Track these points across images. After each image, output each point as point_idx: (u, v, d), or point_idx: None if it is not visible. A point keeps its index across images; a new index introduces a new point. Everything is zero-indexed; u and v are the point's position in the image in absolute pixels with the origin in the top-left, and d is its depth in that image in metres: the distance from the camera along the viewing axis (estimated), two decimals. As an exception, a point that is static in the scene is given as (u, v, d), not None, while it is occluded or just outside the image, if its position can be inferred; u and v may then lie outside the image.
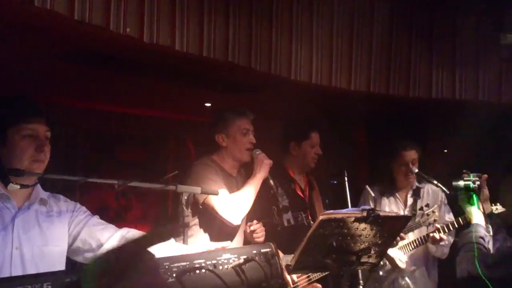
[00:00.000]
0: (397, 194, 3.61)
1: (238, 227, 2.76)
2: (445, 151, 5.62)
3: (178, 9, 2.95)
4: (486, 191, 2.63)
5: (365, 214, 2.24)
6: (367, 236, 2.30)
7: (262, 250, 1.65)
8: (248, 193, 2.68)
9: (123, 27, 2.64)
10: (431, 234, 3.30)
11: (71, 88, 5.01)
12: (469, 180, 2.46)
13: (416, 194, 3.60)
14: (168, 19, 2.90)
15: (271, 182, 2.80)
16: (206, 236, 2.74)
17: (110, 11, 2.57)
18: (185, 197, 2.10)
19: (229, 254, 1.54)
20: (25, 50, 3.49)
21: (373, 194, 3.40)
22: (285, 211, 2.86)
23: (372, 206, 3.25)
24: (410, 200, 3.58)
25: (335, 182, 3.01)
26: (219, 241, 2.72)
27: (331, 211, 2.40)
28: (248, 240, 2.84)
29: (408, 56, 4.48)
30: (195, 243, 2.67)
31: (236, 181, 2.86)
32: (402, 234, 3.21)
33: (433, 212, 3.35)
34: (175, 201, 2.92)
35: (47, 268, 1.79)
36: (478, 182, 2.46)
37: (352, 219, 2.22)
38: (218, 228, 2.72)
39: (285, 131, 3.40)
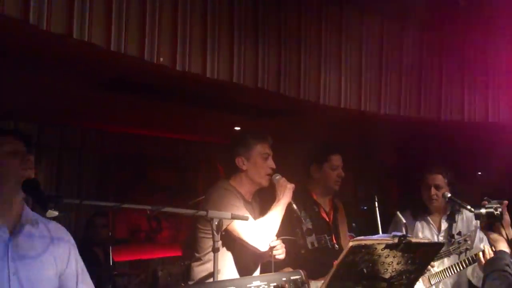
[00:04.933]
0: (429, 219, 3.55)
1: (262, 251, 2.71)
2: (479, 173, 5.49)
3: (210, 38, 3.04)
4: (507, 217, 2.56)
5: (396, 240, 2.22)
6: (399, 263, 2.27)
7: (292, 277, 1.66)
8: (274, 218, 2.64)
9: (157, 57, 2.73)
10: (480, 255, 3.17)
11: (105, 113, 5.17)
12: (490, 208, 2.40)
13: (451, 219, 3.52)
14: (199, 48, 2.98)
15: (294, 206, 2.76)
16: (230, 257, 2.69)
17: (144, 42, 2.67)
18: (216, 223, 2.11)
19: (259, 281, 1.55)
20: (63, 79, 3.64)
21: (404, 220, 3.34)
22: (309, 234, 2.83)
23: (403, 232, 3.20)
24: (444, 225, 3.51)
25: (365, 208, 2.99)
26: (244, 263, 2.70)
27: (362, 237, 2.38)
28: (267, 258, 2.76)
29: (439, 79, 4.45)
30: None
31: (252, 207, 2.82)
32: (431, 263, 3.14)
33: (465, 240, 3.26)
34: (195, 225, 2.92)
35: None
36: (500, 209, 2.41)
37: (383, 245, 2.20)
38: (241, 251, 2.69)
39: (306, 154, 3.40)
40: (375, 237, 2.56)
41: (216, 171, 6.69)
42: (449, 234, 3.44)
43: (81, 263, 1.99)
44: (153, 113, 5.10)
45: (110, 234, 4.27)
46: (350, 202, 3.44)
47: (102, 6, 2.48)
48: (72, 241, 1.98)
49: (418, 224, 3.53)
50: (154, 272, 4.97)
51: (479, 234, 3.47)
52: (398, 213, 3.37)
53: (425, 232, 3.51)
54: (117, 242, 4.65)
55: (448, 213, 3.52)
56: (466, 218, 3.53)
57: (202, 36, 2.99)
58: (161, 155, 6.42)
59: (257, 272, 2.81)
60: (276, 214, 2.65)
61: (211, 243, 2.60)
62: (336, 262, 2.19)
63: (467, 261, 3.24)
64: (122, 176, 6.09)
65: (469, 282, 3.47)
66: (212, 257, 2.58)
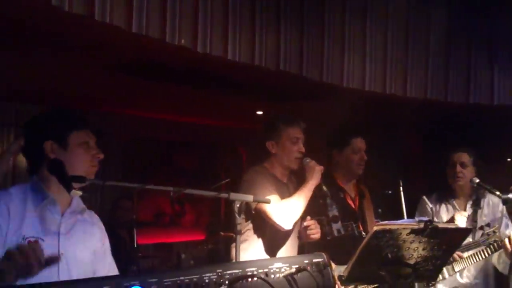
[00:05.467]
0: (454, 203, 3.46)
1: (290, 231, 2.75)
2: (509, 160, 5.32)
3: (231, 20, 3.00)
4: None
5: (422, 225, 2.16)
6: (425, 248, 2.22)
7: (314, 260, 1.62)
8: (300, 199, 2.68)
9: (178, 39, 2.70)
10: (506, 241, 3.09)
11: (130, 98, 5.21)
12: None
13: (476, 204, 3.43)
14: (221, 30, 2.95)
15: (324, 188, 2.78)
16: (260, 240, 2.75)
17: (166, 24, 2.65)
18: (237, 205, 2.10)
19: (281, 263, 1.53)
20: (86, 62, 3.65)
21: (430, 205, 3.27)
22: (334, 221, 2.82)
23: (430, 217, 3.13)
24: (469, 210, 3.42)
25: (389, 192, 2.92)
26: (272, 245, 2.74)
27: (386, 222, 2.34)
28: (303, 239, 2.82)
29: (467, 60, 4.30)
30: (249, 248, 2.69)
31: (288, 188, 2.86)
32: (459, 253, 3.08)
33: (494, 232, 3.17)
34: (229, 208, 2.95)
35: (85, 274, 1.86)
36: None
37: (408, 230, 2.15)
38: (271, 233, 2.73)
39: (327, 139, 3.35)
40: (400, 221, 2.51)
41: (238, 155, 6.72)
42: (474, 219, 3.36)
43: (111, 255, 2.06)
44: (175, 98, 5.11)
45: (134, 217, 4.32)
46: (374, 186, 3.36)
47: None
48: (105, 231, 2.06)
49: (444, 208, 3.46)
50: (177, 254, 5.05)
51: (505, 220, 3.38)
52: (424, 197, 3.30)
53: (449, 216, 3.43)
54: (141, 225, 4.71)
55: (474, 198, 3.43)
56: (492, 204, 3.43)
57: (224, 18, 2.95)
58: (184, 139, 6.45)
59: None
60: (303, 194, 2.68)
61: (246, 225, 2.72)
62: (360, 246, 2.15)
63: (492, 248, 3.16)
64: (146, 161, 6.14)
65: (495, 268, 3.39)
66: (248, 238, 2.72)
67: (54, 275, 1.75)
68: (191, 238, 6.17)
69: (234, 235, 2.80)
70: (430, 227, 2.15)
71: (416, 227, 2.16)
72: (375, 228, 2.12)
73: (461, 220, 3.23)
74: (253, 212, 2.69)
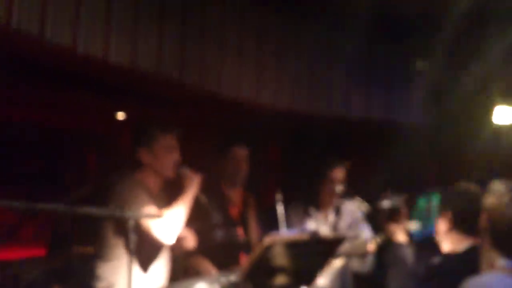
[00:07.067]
0: (318, 210, 3.82)
1: (163, 244, 2.72)
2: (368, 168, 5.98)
3: (113, 21, 2.92)
4: (405, 210, 2.93)
5: (307, 236, 2.42)
6: (308, 257, 2.47)
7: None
8: (181, 211, 2.65)
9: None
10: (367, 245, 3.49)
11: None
12: (392, 200, 2.76)
13: (337, 211, 3.83)
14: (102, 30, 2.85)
15: (202, 198, 2.80)
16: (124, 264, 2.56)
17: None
18: (132, 223, 2.08)
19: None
20: None
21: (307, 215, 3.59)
22: (217, 227, 2.90)
23: (308, 226, 3.45)
24: (330, 217, 3.80)
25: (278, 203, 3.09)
26: (147, 260, 2.70)
27: (274, 233, 2.54)
28: (176, 250, 2.84)
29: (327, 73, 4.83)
30: (120, 267, 2.59)
31: (159, 201, 2.78)
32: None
33: (364, 243, 3.55)
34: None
35: None
36: (399, 202, 2.77)
37: (296, 241, 2.39)
38: (145, 248, 2.64)
39: (212, 146, 3.43)
40: (285, 233, 2.75)
41: (85, 161, 6.38)
42: (336, 226, 3.75)
43: None
44: (20, 93, 4.65)
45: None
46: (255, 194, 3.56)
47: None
48: None
49: (308, 216, 3.79)
50: (15, 277, 4.56)
51: (363, 224, 3.85)
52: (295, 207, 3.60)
53: (313, 224, 3.78)
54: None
55: (335, 205, 3.82)
56: (350, 210, 3.87)
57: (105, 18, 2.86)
58: (28, 141, 5.89)
59: (163, 271, 2.83)
60: (183, 206, 2.67)
61: (118, 240, 2.63)
62: (248, 259, 2.32)
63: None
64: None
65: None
66: (118, 256, 2.61)
67: None
68: (30, 255, 5.62)
69: (95, 251, 2.71)
70: (315, 237, 2.42)
71: (303, 238, 2.42)
72: (266, 241, 2.31)
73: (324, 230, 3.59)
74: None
